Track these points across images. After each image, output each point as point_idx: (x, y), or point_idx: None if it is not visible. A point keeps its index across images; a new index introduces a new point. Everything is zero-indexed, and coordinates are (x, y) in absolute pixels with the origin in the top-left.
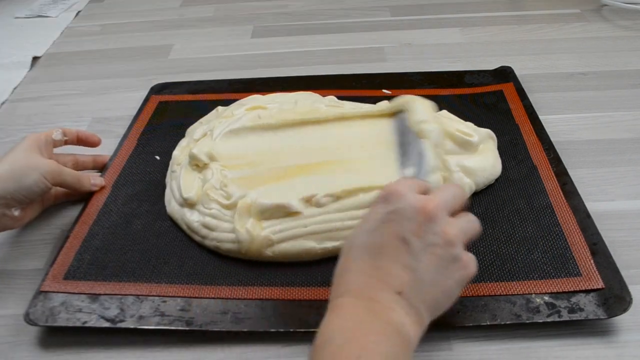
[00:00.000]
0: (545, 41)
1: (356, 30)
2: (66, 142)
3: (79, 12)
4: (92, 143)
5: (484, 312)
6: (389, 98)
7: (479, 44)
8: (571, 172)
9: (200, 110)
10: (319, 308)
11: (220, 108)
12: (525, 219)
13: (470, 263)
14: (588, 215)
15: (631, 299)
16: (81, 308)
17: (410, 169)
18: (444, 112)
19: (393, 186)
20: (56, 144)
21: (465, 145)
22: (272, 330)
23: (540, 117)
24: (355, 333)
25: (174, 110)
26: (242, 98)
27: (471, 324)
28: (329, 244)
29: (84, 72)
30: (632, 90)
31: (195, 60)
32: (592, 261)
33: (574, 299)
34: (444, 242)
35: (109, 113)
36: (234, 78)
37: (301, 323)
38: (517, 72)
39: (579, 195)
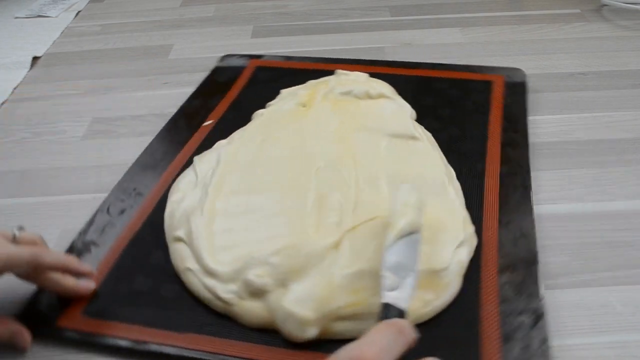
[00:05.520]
0: (545, 41)
1: (356, 30)
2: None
3: (79, 12)
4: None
5: None
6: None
7: (479, 44)
8: (571, 172)
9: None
10: None
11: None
12: None
13: None
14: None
15: None
16: None
17: (395, 280)
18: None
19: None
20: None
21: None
22: None
23: (540, 117)
24: None
25: None
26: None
27: None
28: None
29: (84, 72)
30: (632, 90)
31: (195, 60)
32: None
33: None
34: None
35: (109, 113)
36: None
37: None
38: None
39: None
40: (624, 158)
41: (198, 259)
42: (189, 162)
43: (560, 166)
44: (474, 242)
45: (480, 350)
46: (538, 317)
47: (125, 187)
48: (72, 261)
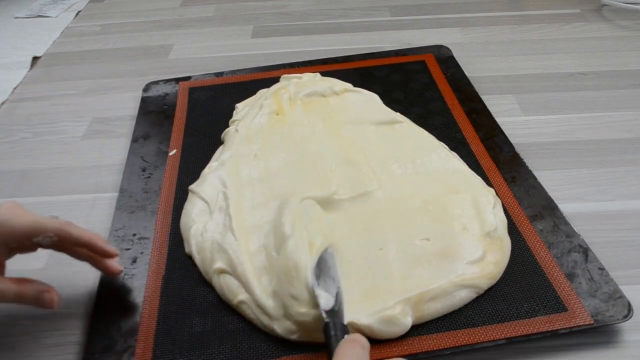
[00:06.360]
0: (545, 41)
1: (356, 30)
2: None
3: (79, 12)
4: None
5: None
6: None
7: (479, 44)
8: (571, 172)
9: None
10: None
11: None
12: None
13: None
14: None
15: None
16: None
17: (329, 297)
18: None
19: None
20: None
21: None
22: None
23: (540, 117)
24: None
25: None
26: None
27: None
28: None
29: (84, 72)
30: (632, 90)
31: (195, 60)
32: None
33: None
34: None
35: (109, 113)
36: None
37: None
38: (517, 72)
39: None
40: (624, 158)
41: (247, 288)
42: (180, 194)
43: (560, 166)
44: (499, 201)
45: (557, 293)
46: (585, 251)
47: (123, 235)
48: (99, 240)
